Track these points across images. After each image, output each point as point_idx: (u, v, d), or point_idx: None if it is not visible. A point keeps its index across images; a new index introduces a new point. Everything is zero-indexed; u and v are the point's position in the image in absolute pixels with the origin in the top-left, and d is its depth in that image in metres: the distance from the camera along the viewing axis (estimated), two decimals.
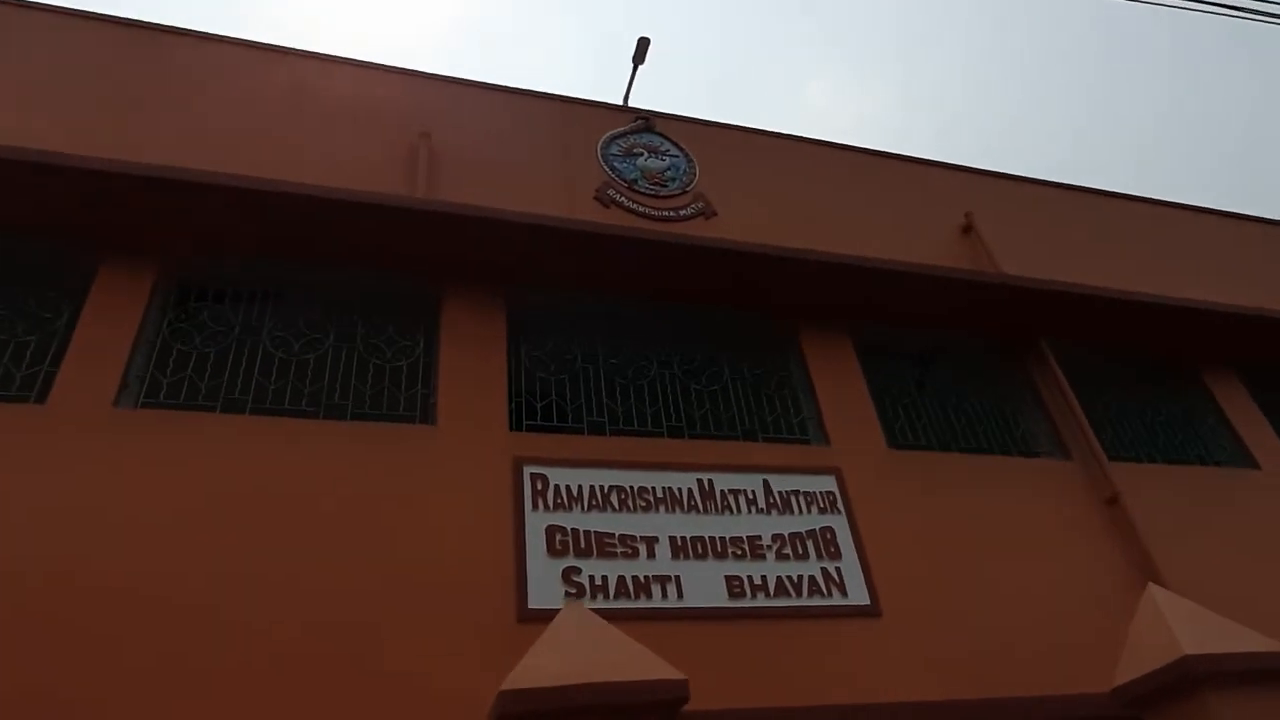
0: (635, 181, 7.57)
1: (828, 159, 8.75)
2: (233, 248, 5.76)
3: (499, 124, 7.55)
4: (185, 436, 4.91)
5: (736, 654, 4.95)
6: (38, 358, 5.11)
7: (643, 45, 8.37)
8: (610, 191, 7.38)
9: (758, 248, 6.56)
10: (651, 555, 5.23)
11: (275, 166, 5.95)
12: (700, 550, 5.35)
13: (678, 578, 5.17)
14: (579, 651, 2.68)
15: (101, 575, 4.28)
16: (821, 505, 5.83)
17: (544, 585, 4.90)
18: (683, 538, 5.37)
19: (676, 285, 6.58)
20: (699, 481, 5.68)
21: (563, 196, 7.08)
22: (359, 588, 4.59)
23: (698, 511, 5.54)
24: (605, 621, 3.01)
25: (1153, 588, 3.68)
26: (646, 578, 5.11)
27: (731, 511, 5.61)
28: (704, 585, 5.19)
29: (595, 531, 5.22)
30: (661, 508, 5.48)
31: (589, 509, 5.31)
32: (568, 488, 5.35)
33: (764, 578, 5.34)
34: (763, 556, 5.45)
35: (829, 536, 5.67)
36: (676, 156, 7.97)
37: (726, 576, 5.27)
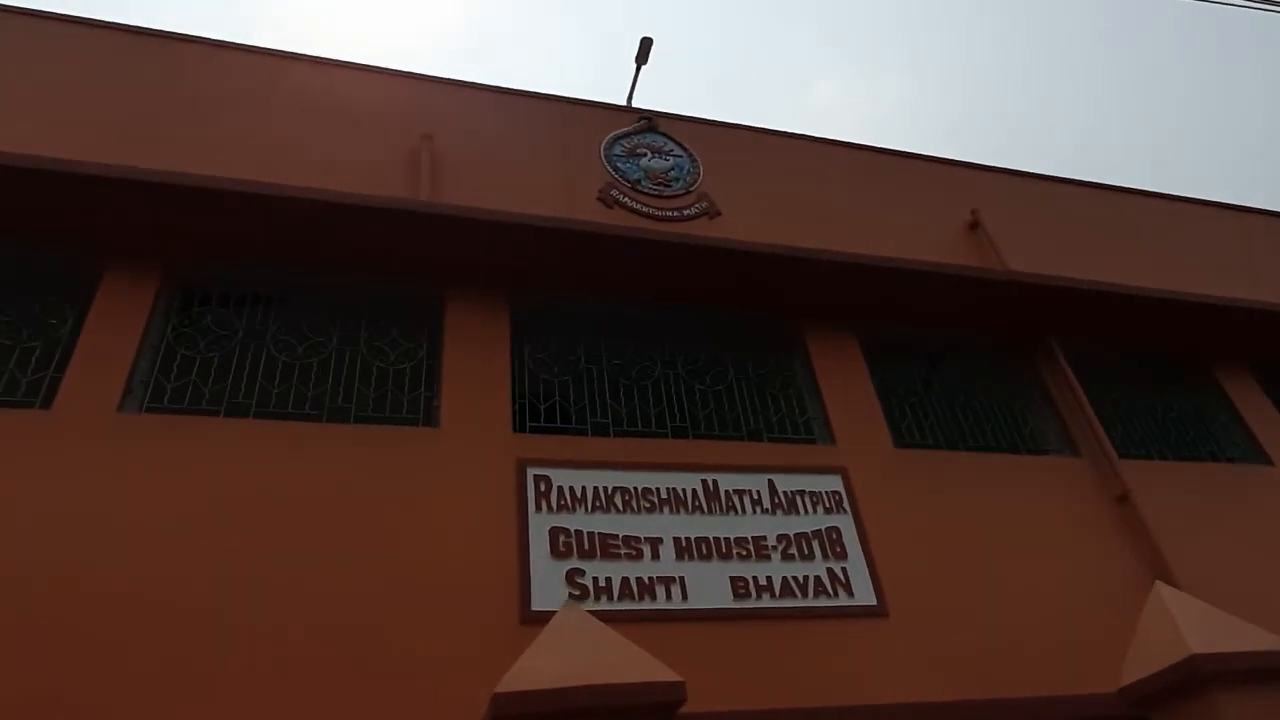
0: (639, 182, 7.56)
1: (831, 157, 8.71)
2: (236, 252, 5.77)
3: (502, 125, 7.56)
4: (189, 441, 4.93)
5: (741, 655, 4.92)
6: (43, 363, 5.14)
7: (645, 45, 8.36)
8: (614, 192, 7.37)
9: (763, 247, 6.53)
10: (655, 556, 5.21)
11: (278, 170, 5.97)
12: (705, 551, 5.32)
13: (682, 579, 5.15)
14: (575, 653, 2.66)
15: (106, 579, 4.29)
16: (827, 505, 5.79)
17: (547, 587, 4.89)
18: (687, 539, 5.34)
19: (681, 285, 6.56)
20: (703, 482, 5.66)
21: (566, 197, 7.08)
22: (362, 590, 4.59)
23: (702, 512, 5.51)
24: (602, 623, 2.99)
25: (1160, 586, 3.63)
26: (650, 579, 5.09)
27: (736, 512, 5.58)
28: (708, 586, 5.17)
29: (599, 533, 5.20)
30: (666, 509, 5.45)
31: (592, 510, 5.29)
32: (571, 489, 5.33)
33: (769, 578, 5.30)
34: (768, 557, 5.42)
35: (835, 536, 5.63)
36: (680, 156, 7.95)
37: (731, 577, 5.25)
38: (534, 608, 4.75)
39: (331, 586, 4.57)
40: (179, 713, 4.00)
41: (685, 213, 7.47)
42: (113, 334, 5.23)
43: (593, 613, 4.71)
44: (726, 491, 5.66)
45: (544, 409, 5.86)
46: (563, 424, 5.83)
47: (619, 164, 7.64)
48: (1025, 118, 40.91)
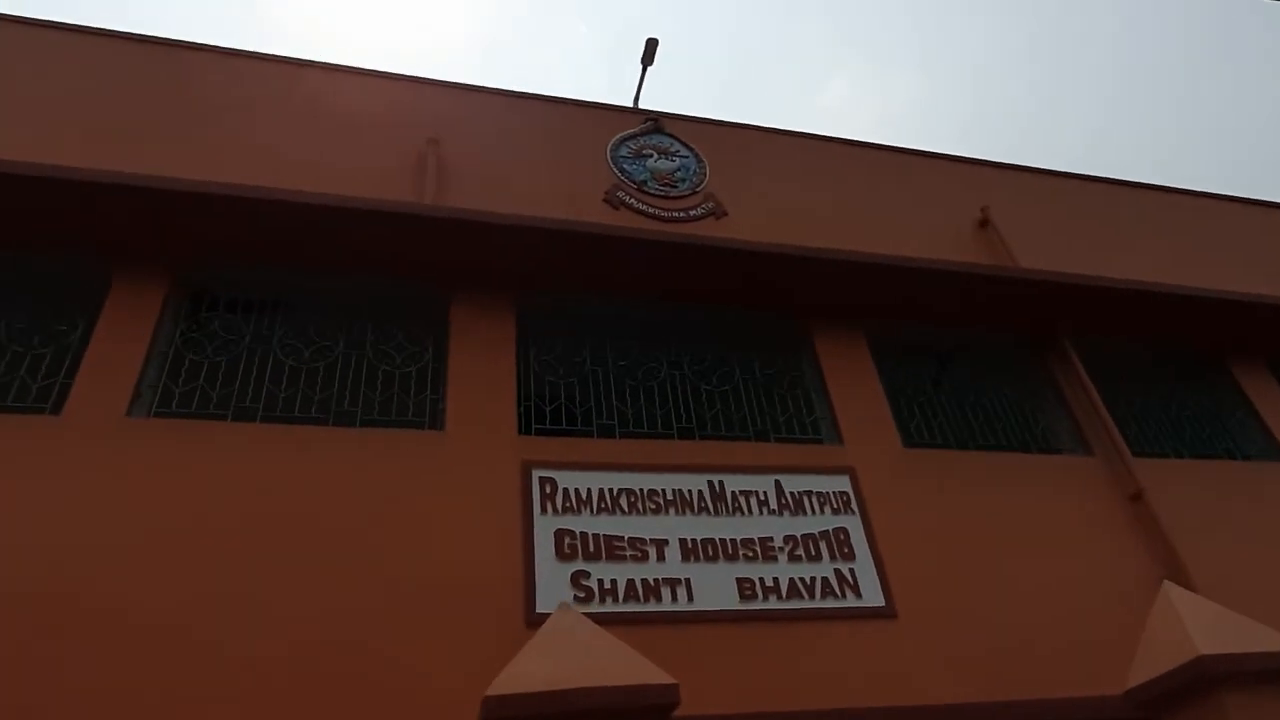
0: (645, 183, 7.55)
1: (839, 156, 8.67)
2: (243, 257, 5.81)
3: (507, 128, 7.57)
4: (197, 445, 4.96)
5: (747, 658, 4.89)
6: (53, 370, 5.19)
7: (651, 46, 8.35)
8: (619, 193, 7.36)
9: (770, 247, 6.51)
10: (661, 558, 5.19)
11: (285, 175, 6.00)
12: (711, 552, 5.30)
13: (688, 580, 5.13)
14: (567, 656, 2.64)
15: (115, 583, 4.33)
16: (835, 505, 5.75)
17: (553, 589, 4.88)
18: (693, 540, 5.32)
19: (687, 286, 6.55)
20: (710, 483, 5.64)
21: (571, 199, 7.07)
22: (367, 592, 4.60)
23: (708, 513, 5.49)
24: (597, 625, 2.97)
25: (1168, 585, 3.57)
26: (656, 580, 5.07)
27: (743, 513, 5.56)
28: (714, 588, 5.14)
29: (604, 535, 5.19)
30: (671, 510, 5.44)
31: (598, 512, 5.29)
32: (576, 491, 5.33)
33: (776, 579, 5.27)
34: (774, 558, 5.39)
35: (842, 537, 5.59)
36: (686, 157, 7.93)
37: (738, 579, 5.22)
38: (539, 610, 4.74)
39: (336, 588, 4.58)
40: (188, 709, 4.03)
41: (692, 213, 7.45)
42: (122, 340, 5.28)
43: (598, 614, 4.74)
44: (733, 492, 5.63)
45: (550, 411, 5.86)
46: (568, 426, 5.83)
47: (625, 165, 7.64)
48: (1037, 117, 40.61)
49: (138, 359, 5.23)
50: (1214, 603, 3.44)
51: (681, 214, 7.41)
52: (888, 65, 41.17)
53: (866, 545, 5.59)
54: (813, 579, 5.34)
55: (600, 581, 4.99)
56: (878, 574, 5.46)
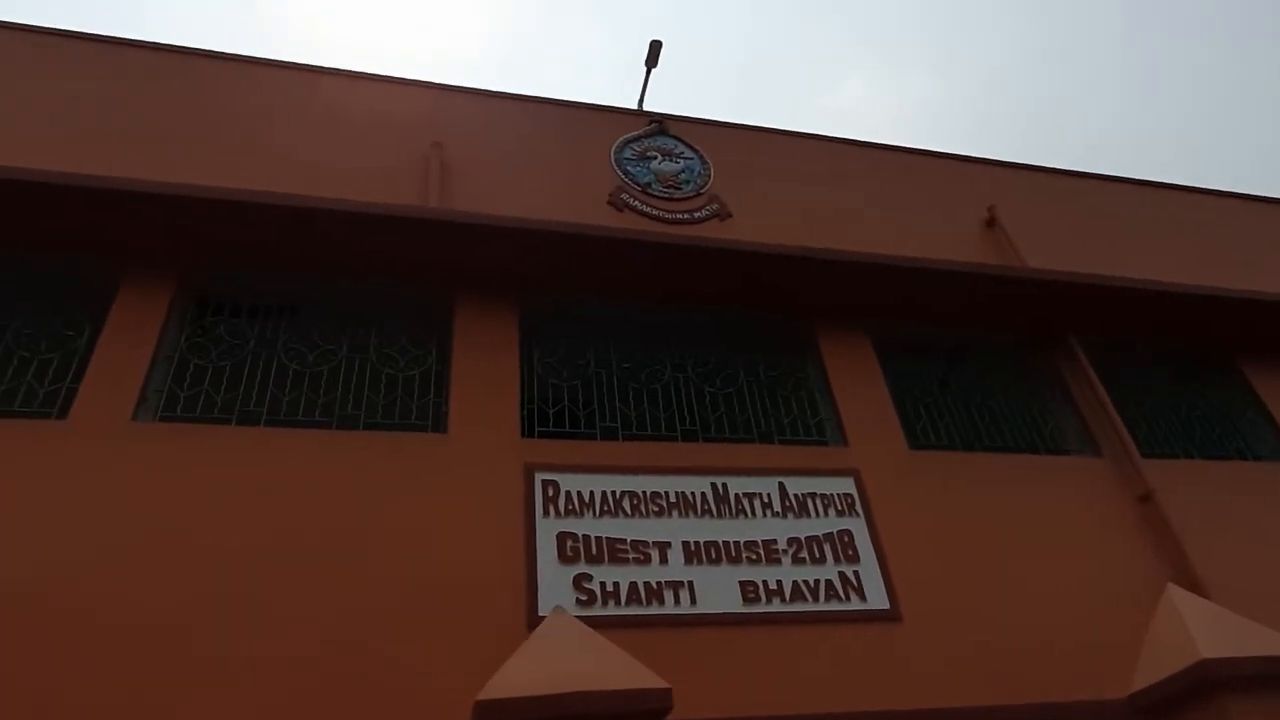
0: (649, 185, 7.55)
1: (844, 157, 8.64)
2: (248, 262, 5.85)
3: (510, 131, 7.59)
4: (201, 449, 4.99)
5: (750, 661, 4.87)
6: (60, 374, 5.23)
7: (655, 48, 8.34)
8: (624, 196, 7.36)
9: (775, 248, 6.49)
10: (664, 561, 5.18)
11: (288, 180, 6.03)
12: (714, 555, 5.29)
13: (690, 583, 5.11)
14: (559, 660, 2.63)
15: (120, 585, 4.36)
16: (839, 508, 5.72)
17: (555, 592, 4.88)
18: (696, 542, 5.31)
19: (692, 288, 6.53)
20: (713, 485, 5.62)
21: (575, 202, 7.07)
22: (370, 595, 4.61)
23: (711, 516, 5.48)
24: (590, 629, 2.96)
25: (1172, 588, 3.54)
26: (659, 583, 5.06)
27: (746, 515, 5.54)
28: (717, 591, 5.13)
29: (607, 537, 5.19)
30: (674, 512, 5.43)
31: (600, 515, 5.28)
32: (579, 494, 5.32)
33: (779, 582, 5.25)
34: (778, 561, 5.36)
35: (847, 539, 5.56)
36: (691, 159, 7.92)
37: (741, 581, 5.20)
38: (541, 613, 4.72)
39: (339, 590, 4.60)
40: (196, 707, 4.06)
41: (696, 215, 7.44)
42: (128, 345, 5.32)
43: (600, 618, 4.75)
44: (736, 495, 5.61)
45: (553, 413, 5.86)
46: (572, 428, 5.83)
47: (629, 167, 7.64)
48: (1048, 117, 40.31)
49: (143, 363, 5.27)
50: (1218, 606, 3.40)
51: (686, 216, 7.41)
52: (903, 66, 41.02)
53: (871, 548, 5.56)
54: (816, 582, 5.31)
55: (602, 584, 4.98)
56: (882, 577, 5.43)
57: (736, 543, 5.37)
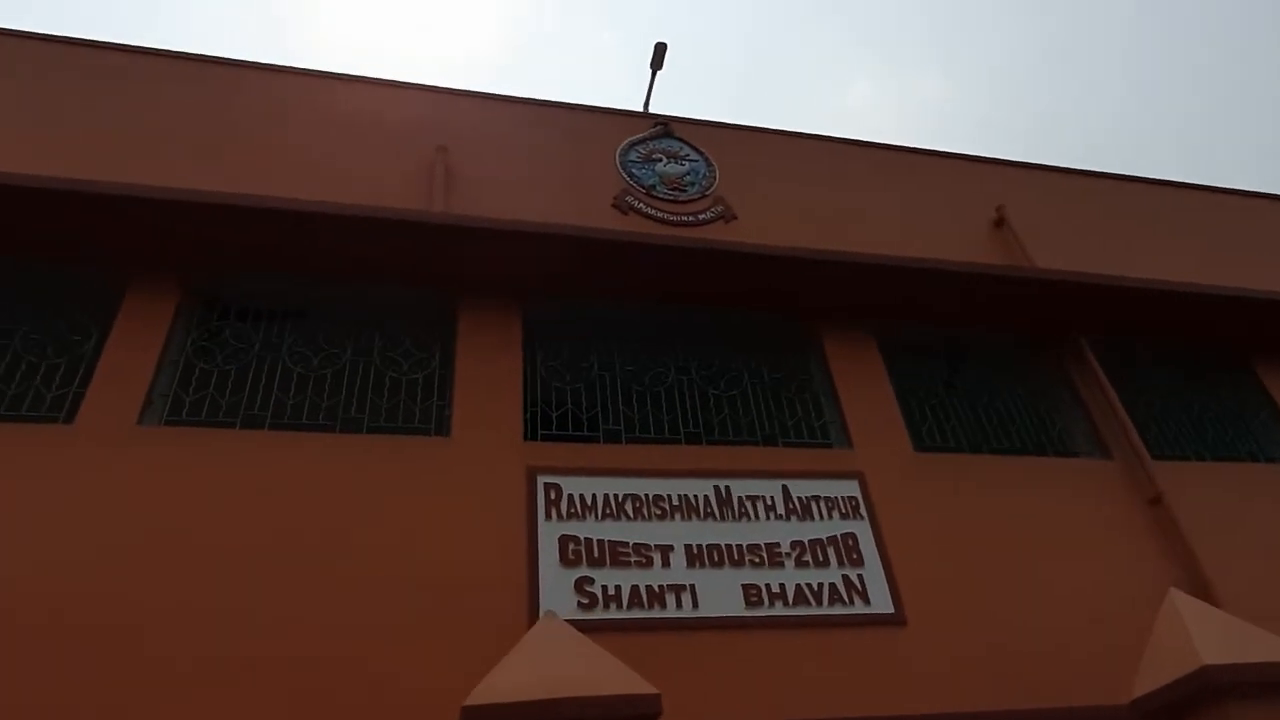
0: (654, 187, 7.54)
1: (850, 157, 8.60)
2: (253, 266, 5.88)
3: (515, 135, 7.60)
4: (206, 452, 5.03)
5: (753, 665, 4.85)
6: (67, 379, 5.28)
7: (660, 51, 8.34)
8: (628, 198, 7.36)
9: (780, 250, 6.46)
10: (666, 564, 5.17)
11: (293, 185, 6.08)
12: (716, 558, 5.27)
13: (693, 586, 5.10)
14: (548, 665, 2.62)
15: (126, 589, 4.39)
16: (843, 510, 5.69)
17: (556, 595, 4.88)
18: (698, 546, 5.30)
19: (696, 290, 6.52)
20: (716, 488, 5.61)
21: (580, 205, 7.07)
22: (372, 597, 4.63)
23: (714, 519, 5.46)
24: (580, 634, 2.95)
25: (1174, 593, 3.49)
26: (661, 587, 5.05)
27: (749, 518, 5.52)
28: (720, 594, 5.11)
29: (609, 541, 5.18)
30: (677, 515, 5.41)
31: (603, 518, 5.28)
32: (581, 497, 5.32)
33: (782, 586, 5.23)
34: (781, 564, 5.34)
35: (851, 542, 5.53)
36: (696, 161, 7.91)
37: (743, 585, 5.18)
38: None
39: (341, 592, 4.61)
40: (199, 708, 4.08)
41: (701, 217, 7.43)
42: (134, 349, 5.36)
43: (601, 621, 4.75)
44: (740, 498, 5.59)
45: (556, 416, 5.86)
46: (575, 431, 5.83)
47: (634, 170, 7.63)
48: (1054, 116, 39.97)
49: (149, 368, 5.31)
50: (1221, 611, 3.35)
51: (690, 218, 7.39)
52: (910, 67, 40.81)
53: (876, 551, 5.52)
54: (820, 585, 5.28)
55: (604, 588, 4.97)
56: (887, 580, 5.40)
57: (739, 546, 5.35)
